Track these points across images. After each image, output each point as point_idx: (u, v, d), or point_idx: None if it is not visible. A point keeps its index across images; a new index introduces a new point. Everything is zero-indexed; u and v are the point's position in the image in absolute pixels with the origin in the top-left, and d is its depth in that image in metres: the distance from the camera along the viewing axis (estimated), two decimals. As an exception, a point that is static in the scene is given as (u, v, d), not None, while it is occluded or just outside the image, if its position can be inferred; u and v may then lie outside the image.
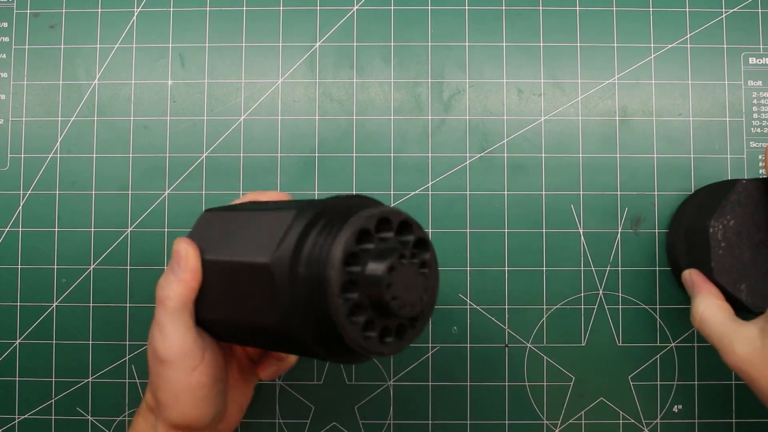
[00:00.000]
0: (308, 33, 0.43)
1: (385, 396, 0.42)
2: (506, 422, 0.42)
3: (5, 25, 0.43)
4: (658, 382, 0.42)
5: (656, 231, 0.42)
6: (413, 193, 0.43)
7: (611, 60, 0.43)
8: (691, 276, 0.37)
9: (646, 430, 0.42)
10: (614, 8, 0.43)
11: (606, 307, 0.42)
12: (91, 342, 0.42)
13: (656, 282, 0.42)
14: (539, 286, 0.42)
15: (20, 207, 0.43)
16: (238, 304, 0.31)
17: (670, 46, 0.43)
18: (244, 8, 0.43)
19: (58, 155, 0.43)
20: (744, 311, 0.40)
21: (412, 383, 0.42)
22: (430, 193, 0.43)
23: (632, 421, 0.42)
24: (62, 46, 0.43)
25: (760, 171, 0.43)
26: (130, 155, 0.43)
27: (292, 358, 0.37)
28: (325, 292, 0.28)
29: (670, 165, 0.43)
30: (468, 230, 0.42)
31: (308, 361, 0.42)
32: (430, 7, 0.43)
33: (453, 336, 0.42)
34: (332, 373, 0.42)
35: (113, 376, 0.42)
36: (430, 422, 0.42)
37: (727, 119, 0.43)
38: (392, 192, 0.43)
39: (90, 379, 0.42)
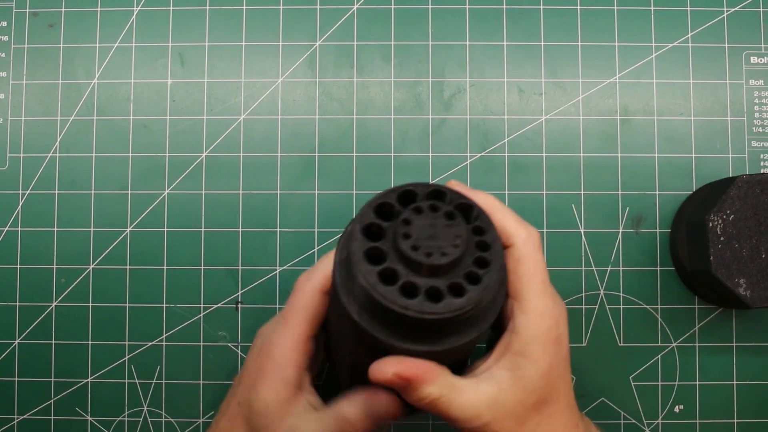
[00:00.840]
0: (308, 32, 0.43)
1: (385, 396, 0.42)
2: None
3: (4, 24, 0.43)
4: (660, 383, 0.42)
5: (657, 231, 0.42)
6: (413, 192, 0.42)
7: (612, 59, 0.43)
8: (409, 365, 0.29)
9: (647, 430, 0.42)
10: (615, 7, 0.43)
11: (607, 306, 0.42)
12: (90, 342, 0.42)
13: (658, 282, 0.42)
14: (540, 286, 0.42)
15: (19, 207, 0.43)
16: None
17: (672, 45, 0.43)
18: (244, 7, 0.43)
19: (58, 155, 0.43)
20: (741, 307, 0.40)
21: (413, 383, 0.42)
22: (430, 192, 0.42)
23: (633, 421, 0.42)
24: (61, 46, 0.43)
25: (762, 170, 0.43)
26: (130, 155, 0.43)
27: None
28: (350, 262, 0.28)
29: (671, 164, 0.43)
30: (468, 230, 0.42)
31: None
32: (430, 6, 0.43)
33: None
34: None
35: (113, 377, 0.42)
36: (430, 422, 0.42)
37: (729, 118, 0.43)
38: (392, 191, 0.42)
39: (89, 379, 0.42)
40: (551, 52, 0.43)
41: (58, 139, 0.43)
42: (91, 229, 0.42)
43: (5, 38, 0.43)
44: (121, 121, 0.43)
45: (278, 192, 0.42)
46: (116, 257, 0.42)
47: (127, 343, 0.42)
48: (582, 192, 0.42)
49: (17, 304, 0.42)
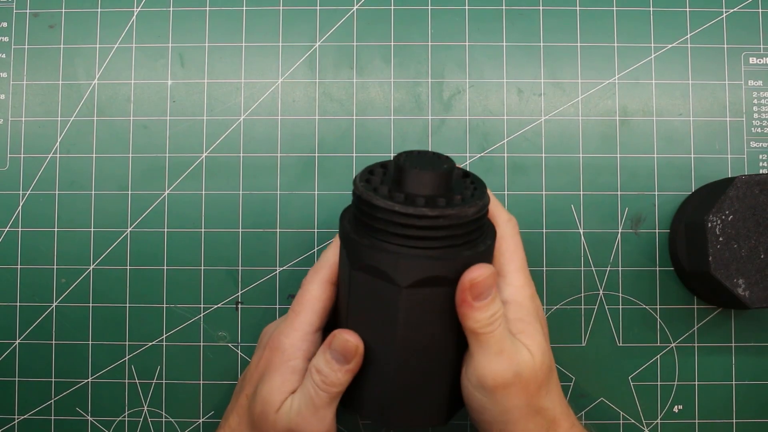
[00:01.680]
0: (308, 33, 0.43)
1: (385, 396, 0.42)
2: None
3: (5, 25, 0.43)
4: (659, 383, 0.42)
5: (656, 231, 0.42)
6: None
7: (611, 60, 0.43)
8: (495, 277, 0.31)
9: (646, 430, 0.42)
10: (614, 8, 0.43)
11: (606, 307, 0.42)
12: (90, 342, 0.42)
13: (657, 282, 0.42)
14: (539, 286, 0.42)
15: (20, 207, 0.43)
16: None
17: (671, 45, 0.43)
18: (244, 8, 0.43)
19: (58, 155, 0.43)
20: (740, 307, 0.40)
21: (412, 383, 0.42)
22: (430, 193, 0.42)
23: (632, 421, 0.42)
24: (62, 46, 0.43)
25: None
26: (130, 155, 0.43)
27: None
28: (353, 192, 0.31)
29: (670, 165, 0.43)
30: (468, 230, 0.42)
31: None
32: (430, 7, 0.43)
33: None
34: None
35: (113, 377, 0.42)
36: (430, 422, 0.42)
37: (728, 119, 0.43)
38: (392, 192, 0.43)
39: (90, 380, 0.42)
40: (551, 53, 0.43)
41: (59, 140, 0.43)
42: (92, 229, 0.43)
43: (6, 39, 0.43)
44: (121, 122, 0.43)
45: (278, 192, 0.43)
46: (116, 257, 0.42)
47: (127, 343, 0.42)
48: (581, 192, 0.42)
49: (17, 304, 0.42)
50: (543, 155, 0.43)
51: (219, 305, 0.42)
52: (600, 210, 0.42)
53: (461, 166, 0.43)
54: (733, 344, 0.42)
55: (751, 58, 0.43)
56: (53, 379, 0.42)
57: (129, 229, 0.43)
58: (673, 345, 0.42)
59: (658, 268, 0.42)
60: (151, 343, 0.42)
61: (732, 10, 0.43)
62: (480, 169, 0.43)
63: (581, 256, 0.42)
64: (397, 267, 0.29)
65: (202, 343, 0.42)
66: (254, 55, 0.43)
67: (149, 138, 0.43)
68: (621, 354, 0.42)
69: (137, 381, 0.42)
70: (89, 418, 0.42)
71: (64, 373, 0.42)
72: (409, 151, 0.31)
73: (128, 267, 0.42)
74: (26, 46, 0.43)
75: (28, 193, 0.43)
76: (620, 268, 0.42)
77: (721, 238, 0.37)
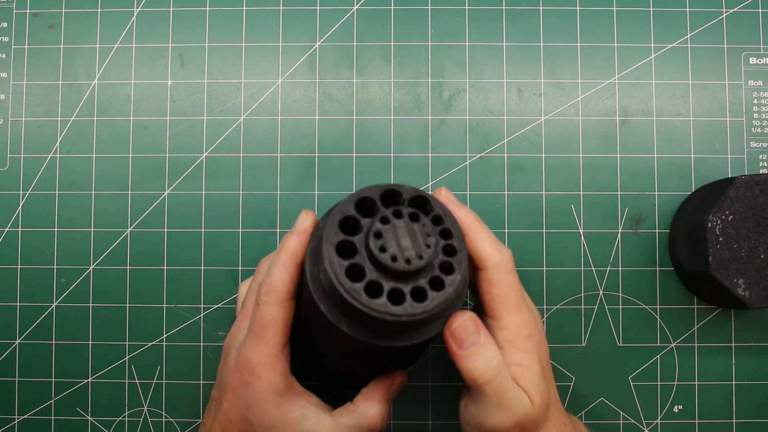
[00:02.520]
0: (308, 33, 0.43)
1: (385, 396, 0.42)
2: None
3: (5, 24, 0.43)
4: (659, 383, 0.42)
5: (656, 231, 0.42)
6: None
7: (611, 60, 0.43)
8: (475, 321, 0.31)
9: (646, 430, 0.42)
10: (614, 8, 0.43)
11: (606, 307, 0.42)
12: (90, 342, 0.42)
13: (657, 282, 0.42)
14: (539, 286, 0.42)
15: (20, 207, 0.43)
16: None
17: (671, 45, 0.43)
18: (244, 8, 0.43)
19: (58, 155, 0.43)
20: (740, 307, 0.40)
21: (412, 384, 0.42)
22: (430, 192, 0.42)
23: (632, 421, 0.42)
24: (62, 46, 0.43)
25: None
26: (130, 155, 0.43)
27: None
28: (321, 256, 0.29)
29: (670, 165, 0.43)
30: (468, 230, 0.42)
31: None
32: (430, 7, 0.43)
33: (453, 336, 0.42)
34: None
35: (113, 377, 0.42)
36: (430, 422, 0.42)
37: (728, 119, 0.43)
38: (392, 192, 0.43)
39: (90, 380, 0.42)
40: (551, 53, 0.43)
41: (59, 140, 0.43)
42: (92, 229, 0.43)
43: (6, 39, 0.43)
44: (121, 122, 0.43)
45: (278, 192, 0.43)
46: (116, 257, 0.42)
47: (127, 343, 0.42)
48: (581, 192, 0.42)
49: (17, 304, 0.42)
50: (543, 155, 0.43)
51: (219, 305, 0.42)
52: (600, 210, 0.42)
53: (460, 166, 0.43)
54: (733, 344, 0.42)
55: (751, 58, 0.43)
56: (53, 379, 0.42)
57: (129, 229, 0.43)
58: (673, 345, 0.42)
59: (658, 268, 0.42)
60: (151, 343, 0.42)
61: (732, 10, 0.43)
62: (480, 170, 0.43)
63: (581, 256, 0.42)
64: (365, 335, 0.30)
65: (202, 343, 0.42)
66: (254, 55, 0.43)
67: (149, 138, 0.43)
68: (621, 354, 0.42)
69: (137, 381, 0.42)
70: (89, 418, 0.42)
71: (64, 373, 0.42)
72: (384, 220, 0.29)
73: (128, 267, 0.42)
74: (26, 46, 0.43)
75: (28, 193, 0.43)
76: (620, 268, 0.42)
77: (721, 238, 0.37)
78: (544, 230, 0.42)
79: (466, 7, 0.43)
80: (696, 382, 0.42)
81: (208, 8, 0.43)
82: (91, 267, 0.42)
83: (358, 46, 0.43)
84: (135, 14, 0.44)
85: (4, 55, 0.43)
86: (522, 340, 0.32)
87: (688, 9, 0.43)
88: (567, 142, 0.43)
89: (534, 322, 0.33)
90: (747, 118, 0.43)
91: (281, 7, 0.43)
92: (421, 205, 0.30)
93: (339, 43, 0.43)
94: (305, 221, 0.32)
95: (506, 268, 0.32)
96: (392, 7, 0.43)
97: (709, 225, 0.37)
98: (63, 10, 0.43)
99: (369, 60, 0.43)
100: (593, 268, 0.42)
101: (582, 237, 0.42)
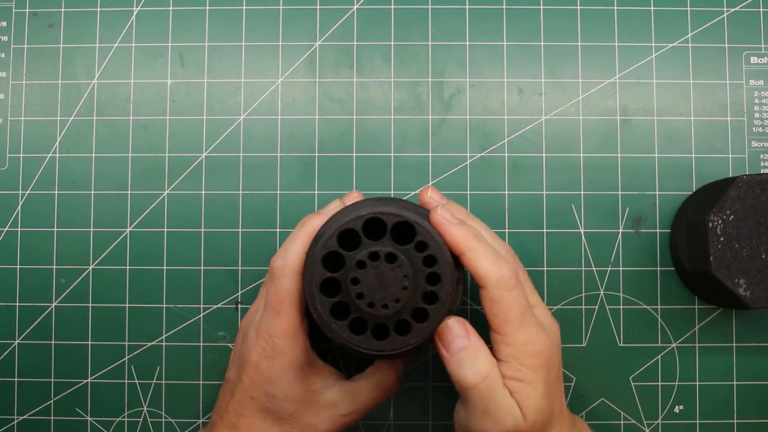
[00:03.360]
0: (308, 32, 0.43)
1: (385, 396, 0.42)
2: None
3: (4, 24, 0.43)
4: (660, 383, 0.42)
5: (657, 231, 0.42)
6: (413, 193, 0.42)
7: (612, 59, 0.43)
8: (463, 325, 0.32)
9: (647, 430, 0.42)
10: (615, 7, 0.43)
11: (607, 307, 0.42)
12: (90, 342, 0.42)
13: (657, 282, 0.42)
14: (540, 286, 0.42)
15: (19, 207, 0.43)
16: None
17: (671, 45, 0.43)
18: (244, 7, 0.43)
19: (57, 155, 0.43)
20: (741, 307, 0.40)
21: (412, 383, 0.42)
22: (430, 192, 0.42)
23: (633, 421, 0.42)
24: (61, 46, 0.43)
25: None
26: (130, 155, 0.43)
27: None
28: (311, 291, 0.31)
29: (671, 165, 0.43)
30: (468, 230, 0.42)
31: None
32: (430, 6, 0.43)
33: (453, 336, 0.42)
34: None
35: (112, 377, 0.42)
36: (430, 423, 0.42)
37: (729, 119, 0.43)
38: (392, 192, 0.42)
39: (89, 380, 0.42)
40: (551, 53, 0.43)
41: (58, 140, 0.43)
42: (91, 229, 0.42)
43: (5, 38, 0.43)
44: (121, 122, 0.43)
45: (278, 192, 0.42)
46: (116, 257, 0.42)
47: (127, 343, 0.42)
48: (582, 192, 0.42)
49: (17, 304, 0.42)
50: (543, 155, 0.43)
51: (219, 305, 0.42)
52: (601, 210, 0.42)
53: (460, 166, 0.43)
54: (734, 344, 0.42)
55: (752, 58, 0.43)
56: (53, 380, 0.42)
57: (129, 229, 0.42)
58: (674, 345, 0.42)
59: (659, 268, 0.42)
60: (150, 343, 0.42)
61: (733, 10, 0.43)
62: (480, 169, 0.42)
63: (582, 256, 0.42)
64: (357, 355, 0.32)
65: (201, 343, 0.42)
66: (254, 55, 0.43)
67: (149, 138, 0.43)
68: (622, 354, 0.42)
69: (137, 381, 0.42)
70: (89, 418, 0.42)
71: (64, 373, 0.42)
72: (360, 265, 0.30)
73: (128, 267, 0.42)
74: (25, 46, 0.43)
75: (27, 192, 0.43)
76: (621, 268, 0.42)
77: (722, 238, 0.37)
78: (544, 230, 0.42)
79: (467, 7, 0.43)
80: (697, 383, 0.42)
81: (207, 7, 0.43)
82: (91, 267, 0.42)
83: (358, 45, 0.43)
84: (134, 13, 0.43)
85: (3, 55, 0.43)
86: (528, 357, 0.31)
87: (689, 8, 0.43)
88: (567, 141, 0.43)
89: (544, 339, 0.32)
90: (748, 118, 0.43)
91: (281, 7, 0.43)
92: (405, 230, 0.31)
93: (339, 42, 0.43)
94: (335, 209, 0.34)
95: (507, 285, 0.31)
96: (392, 7, 0.43)
97: (710, 225, 0.37)
98: (62, 10, 0.43)
99: (369, 59, 0.43)
100: (594, 268, 0.42)
101: (582, 237, 0.42)
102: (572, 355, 0.42)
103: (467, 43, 0.43)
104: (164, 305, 0.42)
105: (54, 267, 0.42)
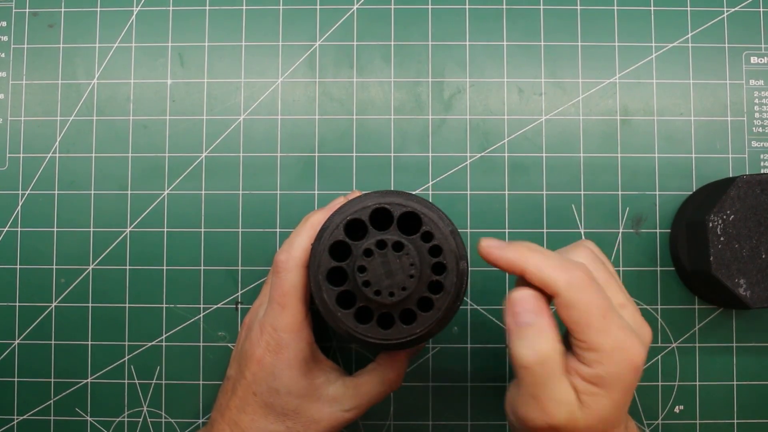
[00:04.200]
0: (308, 32, 0.43)
1: (385, 396, 0.42)
2: (507, 423, 0.42)
3: (4, 24, 0.43)
4: (660, 383, 0.42)
5: (657, 231, 0.42)
6: (413, 192, 0.42)
7: (612, 59, 0.43)
8: (538, 301, 0.29)
9: (647, 430, 0.42)
10: (615, 7, 0.43)
11: (607, 307, 0.42)
12: (90, 342, 0.42)
13: (658, 282, 0.42)
14: (540, 286, 0.42)
15: (19, 207, 0.42)
16: None
17: (672, 45, 0.43)
18: (244, 7, 0.43)
19: (57, 155, 0.43)
20: (741, 307, 0.40)
21: (412, 383, 0.42)
22: (430, 192, 0.42)
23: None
24: (61, 46, 0.43)
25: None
26: (129, 155, 0.43)
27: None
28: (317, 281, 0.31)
29: (671, 164, 0.42)
30: (468, 230, 0.42)
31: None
32: (430, 6, 0.43)
33: (453, 336, 0.42)
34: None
35: (112, 377, 0.42)
36: (430, 423, 0.42)
37: (729, 119, 0.43)
38: (392, 192, 0.42)
39: (89, 380, 0.42)
40: (551, 52, 0.43)
41: (58, 140, 0.43)
42: (91, 229, 0.42)
43: (5, 38, 0.43)
44: (120, 122, 0.43)
45: (278, 192, 0.42)
46: (116, 257, 0.42)
47: (127, 343, 0.42)
48: (582, 192, 0.42)
49: (17, 304, 0.42)
50: (543, 155, 0.43)
51: (219, 305, 0.42)
52: (601, 210, 0.42)
53: (460, 166, 0.43)
54: (734, 344, 0.42)
55: (752, 58, 0.43)
56: (53, 380, 0.42)
57: (129, 229, 0.42)
58: (674, 345, 0.42)
59: (659, 268, 0.42)
60: (150, 343, 0.42)
61: (733, 10, 0.43)
62: (480, 169, 0.42)
63: (582, 256, 0.42)
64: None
65: (201, 343, 0.42)
66: (254, 55, 0.43)
67: (149, 138, 0.43)
68: (622, 354, 0.42)
69: (137, 381, 0.42)
70: (89, 418, 0.42)
71: (64, 373, 0.42)
72: (368, 254, 0.30)
73: (128, 267, 0.42)
74: (25, 46, 0.43)
75: (27, 192, 0.43)
76: (621, 268, 0.42)
77: (722, 238, 0.37)
78: (544, 230, 0.42)
79: (467, 7, 0.43)
80: (697, 383, 0.42)
81: (207, 7, 0.43)
82: (91, 267, 0.42)
83: (358, 45, 0.43)
84: (134, 13, 0.43)
85: (3, 55, 0.43)
86: (614, 364, 0.28)
87: (689, 8, 0.43)
88: (568, 141, 0.43)
89: (635, 345, 0.29)
90: (748, 118, 0.43)
91: (281, 7, 0.43)
92: (411, 221, 0.31)
93: (339, 42, 0.43)
94: (339, 204, 0.34)
95: (580, 285, 0.29)
96: (392, 7, 0.43)
97: (711, 225, 0.37)
98: (62, 10, 0.43)
99: (369, 59, 0.43)
100: (594, 268, 0.42)
101: (583, 237, 0.42)
102: (572, 355, 0.42)
103: (467, 43, 0.43)
104: (164, 305, 0.42)
105: (54, 267, 0.42)
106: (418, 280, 0.30)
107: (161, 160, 0.43)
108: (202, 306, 0.42)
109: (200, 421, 0.42)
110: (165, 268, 0.42)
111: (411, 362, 0.42)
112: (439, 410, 0.42)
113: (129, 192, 0.43)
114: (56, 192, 0.43)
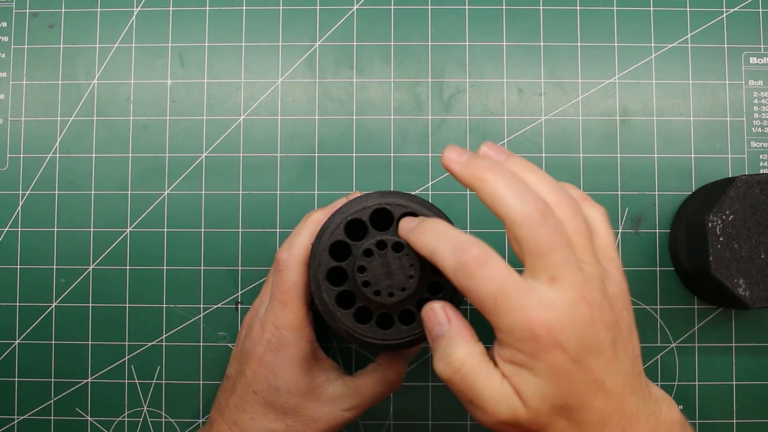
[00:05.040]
0: (308, 32, 0.43)
1: (385, 396, 0.42)
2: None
3: (4, 24, 0.43)
4: (659, 383, 0.42)
5: (657, 231, 0.42)
6: (413, 193, 0.42)
7: (612, 60, 0.43)
8: (445, 311, 0.28)
9: (646, 430, 0.42)
10: (615, 8, 0.43)
11: (606, 307, 0.42)
12: (90, 342, 0.42)
13: (657, 282, 0.42)
14: (540, 287, 0.42)
15: (19, 207, 0.43)
16: None
17: (671, 45, 0.43)
18: (244, 8, 0.43)
19: (58, 155, 0.43)
20: (741, 307, 0.40)
21: (412, 383, 0.42)
22: (430, 192, 0.42)
23: (633, 421, 0.42)
24: (61, 46, 0.43)
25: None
26: (130, 155, 0.43)
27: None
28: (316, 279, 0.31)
29: (670, 165, 0.43)
30: (468, 230, 0.42)
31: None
32: (430, 7, 0.43)
33: (453, 336, 0.42)
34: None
35: (112, 377, 0.42)
36: (430, 423, 0.42)
37: (728, 119, 0.43)
38: (392, 192, 0.42)
39: (89, 380, 0.42)
40: (551, 53, 0.43)
41: (58, 140, 0.43)
42: (91, 229, 0.42)
43: (5, 38, 0.43)
44: (121, 122, 0.43)
45: (278, 192, 0.43)
46: (116, 257, 0.42)
47: (127, 343, 0.42)
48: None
49: (17, 304, 0.42)
50: (543, 155, 0.43)
51: (219, 305, 0.42)
52: (600, 210, 0.42)
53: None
54: (733, 344, 0.42)
55: (751, 58, 0.43)
56: (53, 380, 0.42)
57: (129, 229, 0.42)
58: (673, 345, 0.42)
59: (658, 268, 0.42)
60: (150, 343, 0.42)
61: (732, 10, 0.43)
62: (480, 169, 0.42)
63: (581, 256, 0.42)
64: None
65: (201, 343, 0.42)
66: (254, 55, 0.43)
67: (149, 138, 0.43)
68: (621, 354, 0.42)
69: (137, 381, 0.42)
70: (89, 418, 0.42)
71: (64, 373, 0.42)
72: (367, 253, 0.30)
73: (128, 267, 0.42)
74: (26, 46, 0.43)
75: (27, 193, 0.43)
76: (620, 268, 0.42)
77: (721, 238, 0.37)
78: (544, 230, 0.42)
79: (466, 7, 0.43)
80: (696, 383, 0.42)
81: (207, 8, 0.43)
82: (91, 267, 0.42)
83: (358, 45, 0.43)
84: (135, 14, 0.43)
85: (3, 55, 0.43)
86: (514, 339, 0.26)
87: (688, 9, 0.43)
88: (567, 141, 0.43)
89: (530, 305, 0.26)
90: (747, 118, 0.43)
91: (281, 7, 0.43)
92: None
93: (339, 42, 0.43)
94: (340, 204, 0.34)
95: (535, 220, 0.26)
96: (392, 7, 0.43)
97: (710, 225, 0.37)
98: (62, 10, 0.43)
99: (369, 60, 0.43)
100: (593, 268, 0.42)
101: (582, 237, 0.42)
102: (572, 355, 0.42)
103: (467, 43, 0.43)
104: (164, 305, 0.42)
105: (54, 267, 0.42)
106: (418, 280, 0.30)
107: (161, 160, 0.43)
108: (202, 306, 0.42)
109: (200, 420, 0.42)
110: (165, 268, 0.42)
111: (411, 362, 0.42)
112: (439, 410, 0.42)
113: (129, 192, 0.43)
114: (56, 192, 0.43)
